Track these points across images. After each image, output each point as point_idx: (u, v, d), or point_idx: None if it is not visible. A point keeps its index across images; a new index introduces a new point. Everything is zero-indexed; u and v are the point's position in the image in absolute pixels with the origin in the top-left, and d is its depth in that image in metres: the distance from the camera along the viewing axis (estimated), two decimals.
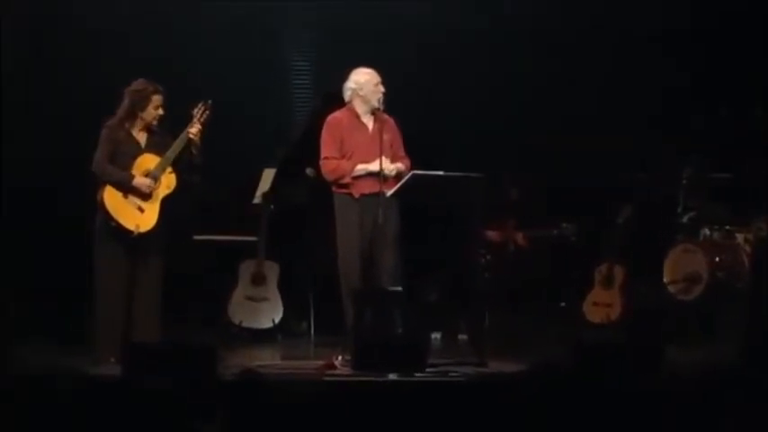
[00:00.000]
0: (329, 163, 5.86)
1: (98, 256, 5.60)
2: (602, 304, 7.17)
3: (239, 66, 7.72)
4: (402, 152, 5.97)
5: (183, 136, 5.61)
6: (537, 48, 7.67)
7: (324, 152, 5.88)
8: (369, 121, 5.93)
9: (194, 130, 5.62)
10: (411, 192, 5.68)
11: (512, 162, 7.52)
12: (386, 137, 5.80)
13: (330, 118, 5.92)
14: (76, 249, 5.98)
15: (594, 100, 7.70)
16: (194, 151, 5.62)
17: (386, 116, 5.93)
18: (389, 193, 5.69)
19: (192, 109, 5.70)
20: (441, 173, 5.68)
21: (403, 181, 5.67)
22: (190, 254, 7.00)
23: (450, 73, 7.74)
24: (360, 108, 5.90)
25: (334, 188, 5.89)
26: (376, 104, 5.84)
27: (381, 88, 5.86)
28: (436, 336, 6.65)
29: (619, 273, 7.18)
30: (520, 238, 7.38)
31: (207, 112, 5.68)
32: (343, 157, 5.85)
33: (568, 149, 7.61)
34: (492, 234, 7.32)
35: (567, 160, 7.67)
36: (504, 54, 7.68)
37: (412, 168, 5.82)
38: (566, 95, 7.70)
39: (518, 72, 7.69)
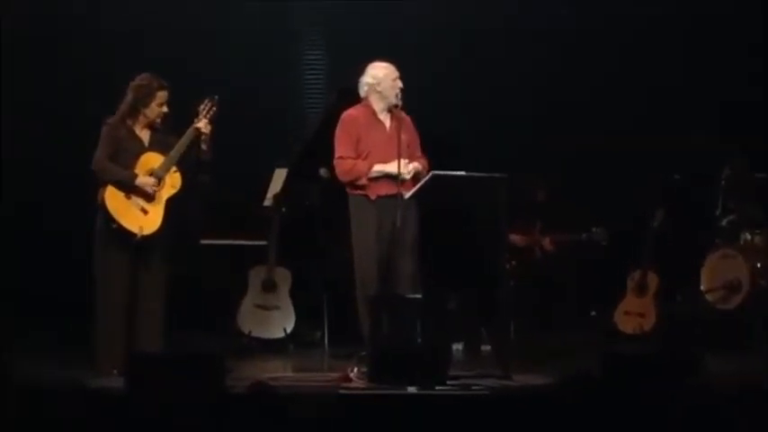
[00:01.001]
0: (345, 163, 5.86)
1: (99, 261, 5.58)
2: (634, 313, 7.15)
3: (249, 61, 7.76)
4: (420, 152, 5.97)
5: (189, 132, 5.60)
6: (567, 45, 7.70)
7: (339, 151, 5.88)
8: (386, 119, 5.93)
9: (202, 124, 5.59)
10: (431, 193, 5.68)
11: (538, 162, 7.51)
12: (403, 136, 5.80)
13: (345, 115, 5.92)
14: (75, 254, 6.01)
15: (627, 98, 7.70)
16: (204, 147, 5.59)
17: (403, 114, 5.93)
18: (408, 195, 5.69)
19: (198, 105, 5.70)
20: (462, 173, 5.68)
21: (422, 182, 5.67)
22: (196, 259, 7.02)
23: (470, 70, 7.75)
24: (377, 105, 5.90)
25: (349, 189, 5.90)
26: (394, 101, 5.84)
27: (399, 84, 5.86)
28: (458, 346, 6.65)
29: (652, 280, 7.16)
30: (547, 242, 7.37)
31: (213, 108, 5.68)
32: (358, 156, 5.85)
33: (599, 149, 7.61)
34: (517, 238, 7.31)
35: (597, 160, 7.65)
36: (532, 51, 7.71)
37: (430, 169, 5.82)
38: (596, 93, 7.71)
39: (547, 69, 7.72)
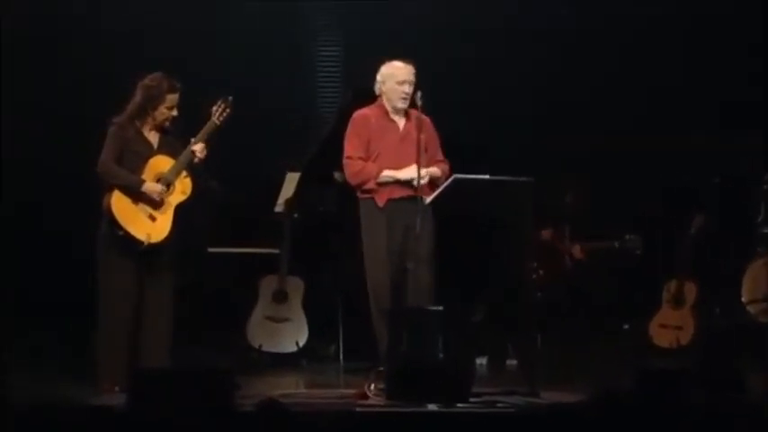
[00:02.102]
0: (353, 164, 5.86)
1: (102, 271, 5.58)
2: (671, 326, 7.13)
3: (259, 60, 7.80)
4: (439, 155, 5.97)
5: (187, 152, 5.57)
6: (598, 43, 7.75)
7: (347, 151, 5.89)
8: (400, 120, 5.92)
9: (198, 147, 5.59)
10: (452, 198, 5.67)
11: (567, 164, 7.51)
12: (420, 138, 5.79)
13: (357, 114, 5.94)
14: (77, 259, 6.03)
15: (663, 97, 7.70)
16: (199, 175, 5.61)
17: (421, 115, 5.92)
18: (428, 200, 5.69)
19: (211, 106, 5.70)
20: (486, 177, 5.68)
21: (443, 186, 5.67)
22: (203, 268, 7.04)
23: (495, 68, 7.78)
24: (387, 105, 5.90)
25: (358, 193, 5.91)
26: (398, 104, 5.85)
27: (406, 88, 5.82)
28: (481, 361, 6.65)
29: (690, 290, 7.14)
30: (577, 250, 7.35)
31: (227, 110, 5.69)
32: (368, 158, 5.85)
33: (632, 151, 7.60)
34: (544, 246, 7.30)
35: (630, 163, 7.64)
36: (563, 49, 7.76)
37: (452, 174, 5.81)
38: (629, 91, 7.72)
39: (578, 68, 7.76)
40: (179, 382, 4.46)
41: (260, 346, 6.84)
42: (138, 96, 5.58)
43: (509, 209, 6.06)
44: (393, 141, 5.84)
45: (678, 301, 7.15)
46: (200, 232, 6.90)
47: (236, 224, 7.11)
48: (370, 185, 5.83)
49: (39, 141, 7.42)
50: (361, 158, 5.85)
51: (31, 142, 7.37)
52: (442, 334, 5.29)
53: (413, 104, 5.87)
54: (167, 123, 5.63)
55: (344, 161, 5.89)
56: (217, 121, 5.66)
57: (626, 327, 7.49)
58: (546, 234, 7.31)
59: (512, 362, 6.73)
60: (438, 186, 5.77)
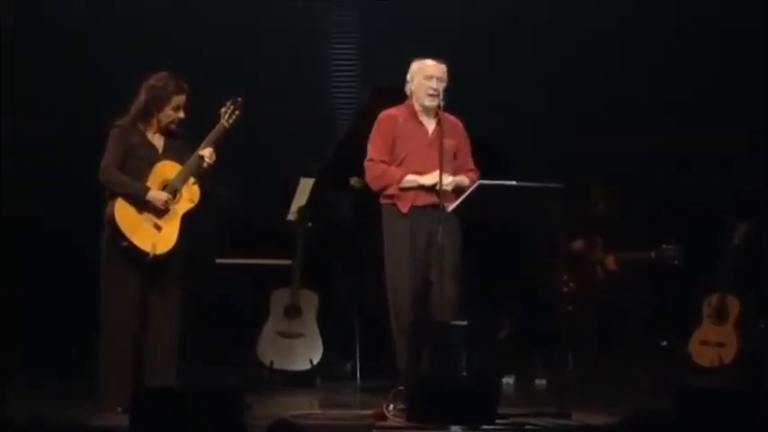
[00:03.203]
0: (375, 167, 5.86)
1: (105, 283, 5.56)
2: (712, 343, 7.10)
3: (272, 59, 7.83)
4: (470, 163, 5.94)
5: (194, 157, 5.56)
6: (636, 42, 7.77)
7: (370, 152, 5.88)
8: (429, 123, 5.90)
9: (207, 152, 5.58)
10: (477, 206, 5.66)
11: (600, 169, 7.49)
12: (449, 143, 5.78)
13: (383, 114, 5.92)
14: (77, 275, 6.05)
15: (703, 97, 7.69)
16: (206, 181, 5.59)
17: (452, 118, 5.90)
18: (451, 207, 5.67)
19: (220, 108, 5.69)
20: (513, 183, 5.66)
21: (467, 193, 5.64)
22: (211, 280, 7.05)
23: (521, 68, 7.80)
24: (416, 105, 5.90)
25: (381, 198, 5.90)
26: (426, 102, 5.83)
27: (434, 83, 5.80)
28: (508, 380, 6.63)
29: (733, 305, 7.11)
30: (610, 261, 7.33)
31: (237, 111, 5.69)
32: (393, 161, 5.85)
33: (670, 155, 7.58)
34: (576, 257, 7.28)
35: (668, 168, 7.62)
36: (597, 48, 7.79)
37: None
38: (666, 93, 7.71)
39: (612, 68, 7.77)
40: (185, 401, 4.46)
41: (271, 363, 6.84)
42: (142, 97, 5.56)
43: (537, 217, 6.04)
44: (420, 144, 5.81)
45: (720, 316, 7.12)
46: (206, 242, 6.90)
47: (246, 233, 7.11)
48: (393, 190, 5.82)
49: (38, 144, 7.47)
50: (383, 161, 5.84)
51: (31, 145, 7.42)
52: (466, 350, 5.28)
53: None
54: (173, 126, 5.62)
55: (366, 163, 5.88)
56: (226, 124, 5.66)
57: (663, 344, 7.47)
58: (577, 244, 7.29)
59: (541, 381, 6.72)
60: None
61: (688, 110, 7.74)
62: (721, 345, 7.07)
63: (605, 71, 7.80)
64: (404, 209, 5.81)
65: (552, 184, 5.66)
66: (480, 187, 5.63)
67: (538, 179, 5.70)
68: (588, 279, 7.27)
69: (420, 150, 5.80)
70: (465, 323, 5.49)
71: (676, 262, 7.21)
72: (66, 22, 7.69)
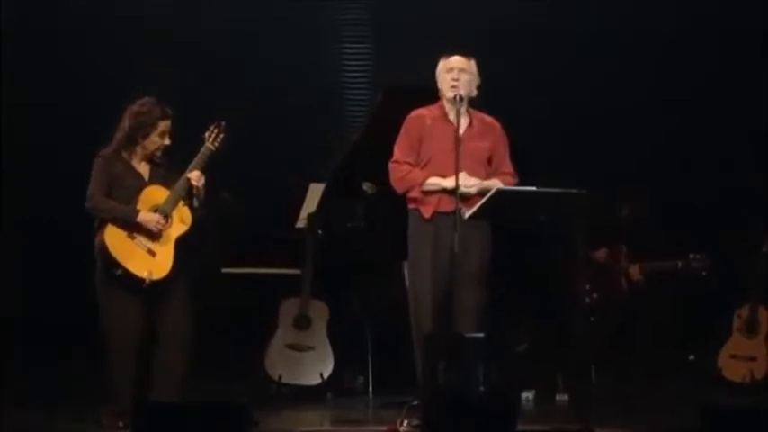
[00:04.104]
0: (398, 169, 5.84)
1: (104, 311, 5.57)
2: (743, 357, 7.08)
3: (281, 58, 7.84)
4: (506, 166, 5.88)
5: (182, 180, 5.58)
6: (660, 45, 7.81)
7: (395, 154, 5.86)
8: (461, 123, 5.80)
9: (194, 175, 5.60)
10: (495, 212, 5.64)
11: (624, 175, 7.48)
12: (480, 144, 5.76)
13: (412, 114, 5.89)
14: (76, 284, 6.06)
15: (733, 100, 7.68)
16: (196, 203, 5.61)
17: (488, 118, 5.88)
18: (468, 214, 5.65)
19: (204, 132, 5.69)
20: (533, 188, 5.65)
21: (485, 199, 5.62)
22: (216, 291, 7.06)
23: (543, 70, 7.81)
24: (446, 104, 5.86)
25: (408, 203, 5.89)
26: (449, 94, 5.78)
27: (454, 74, 5.77)
28: (528, 395, 6.62)
29: (765, 317, 7.08)
30: (635, 271, 7.32)
31: (221, 135, 5.71)
32: (418, 163, 5.83)
33: (697, 159, 7.57)
34: (599, 266, 7.27)
35: (695, 173, 7.61)
36: (621, 50, 7.82)
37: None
38: (690, 95, 7.71)
39: (637, 70, 7.79)
40: (189, 416, 4.47)
41: (280, 377, 6.84)
42: (126, 124, 5.58)
43: (559, 225, 6.03)
44: (447, 146, 5.73)
45: (751, 329, 7.10)
46: (212, 251, 6.91)
47: (253, 241, 7.11)
48: (416, 194, 5.79)
49: (39, 148, 7.52)
50: (408, 163, 5.82)
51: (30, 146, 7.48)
52: (483, 364, 5.28)
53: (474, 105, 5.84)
54: (159, 153, 5.63)
55: (390, 164, 5.87)
56: (212, 147, 5.69)
57: (691, 357, 7.45)
58: (600, 253, 7.28)
59: (562, 396, 6.70)
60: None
61: (715, 114, 7.73)
62: (752, 359, 7.05)
63: (630, 72, 7.82)
64: (426, 214, 5.78)
65: (574, 191, 5.65)
66: (499, 193, 5.62)
67: (560, 185, 5.69)
68: (612, 289, 7.26)
69: (447, 152, 5.72)
70: (482, 335, 5.49)
71: (704, 272, 7.20)
72: (66, 23, 7.74)
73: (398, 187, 5.84)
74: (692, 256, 7.16)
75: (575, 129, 7.80)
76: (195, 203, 5.64)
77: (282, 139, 7.70)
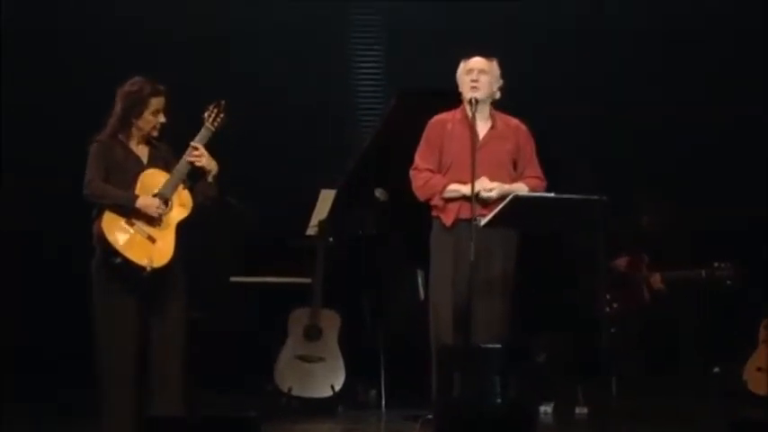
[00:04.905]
0: (419, 176, 5.84)
1: (100, 306, 5.50)
2: None
3: (292, 60, 7.86)
4: (533, 170, 5.87)
5: (182, 162, 5.52)
6: (684, 44, 7.83)
7: (415, 160, 5.87)
8: (482, 126, 5.83)
9: (196, 154, 5.53)
10: (512, 219, 5.63)
11: (646, 181, 7.48)
12: (502, 147, 5.76)
13: (434, 119, 5.90)
14: (72, 297, 6.06)
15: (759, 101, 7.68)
16: (210, 180, 5.56)
17: (513, 120, 5.87)
18: (483, 222, 5.64)
19: (203, 112, 5.60)
20: (551, 195, 5.65)
21: (501, 206, 5.60)
22: (224, 301, 7.07)
23: (563, 72, 7.81)
24: (467, 107, 5.83)
25: (431, 211, 5.88)
26: (467, 95, 5.78)
27: (473, 75, 5.76)
28: (546, 408, 6.61)
29: None
30: (656, 280, 7.29)
31: (221, 114, 5.67)
32: (440, 169, 5.83)
33: (723, 166, 7.56)
34: (620, 275, 7.26)
35: (720, 180, 7.60)
36: (649, 51, 7.86)
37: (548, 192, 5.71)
38: (716, 98, 7.70)
39: (661, 73, 7.81)
40: (196, 431, 4.47)
41: (290, 389, 6.84)
42: (118, 106, 5.55)
43: (578, 232, 6.02)
44: (469, 150, 5.71)
45: None
46: (220, 259, 6.92)
47: (262, 249, 7.13)
48: (437, 201, 5.79)
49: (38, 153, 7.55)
50: (429, 170, 5.82)
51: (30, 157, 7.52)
52: (500, 376, 5.27)
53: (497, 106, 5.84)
54: (155, 132, 5.58)
55: (411, 172, 5.87)
56: (211, 127, 5.62)
57: (716, 370, 7.43)
58: (621, 261, 7.27)
59: (582, 410, 6.69)
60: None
61: (743, 117, 7.73)
62: None
63: (654, 73, 7.84)
64: (448, 222, 5.77)
65: (594, 197, 5.64)
66: (515, 199, 5.60)
67: (579, 191, 5.68)
68: (633, 299, 7.24)
69: (467, 156, 5.69)
70: (499, 346, 5.48)
71: (729, 281, 7.17)
72: (66, 23, 7.78)
73: (420, 195, 5.83)
74: (716, 264, 7.12)
75: (599, 130, 7.80)
76: (210, 180, 5.60)
77: (293, 145, 7.71)
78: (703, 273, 7.15)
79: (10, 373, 6.98)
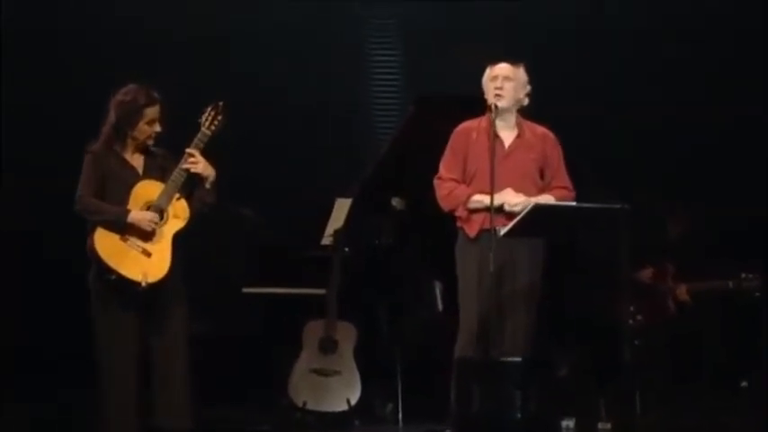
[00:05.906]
0: (442, 186, 5.86)
1: (98, 326, 5.52)
2: None
3: (306, 64, 7.89)
4: (561, 180, 5.87)
5: (178, 171, 5.50)
6: (709, 46, 7.83)
7: (440, 170, 5.88)
8: (507, 135, 5.85)
9: (192, 161, 5.52)
10: (532, 229, 5.64)
11: (672, 188, 7.49)
12: (527, 156, 5.78)
13: (459, 127, 5.92)
14: (72, 297, 6.09)
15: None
16: (208, 186, 5.56)
17: (540, 129, 5.89)
18: (503, 231, 5.64)
19: (201, 115, 5.60)
20: (572, 204, 5.67)
21: (521, 215, 5.61)
22: (237, 313, 7.09)
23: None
24: (492, 115, 5.82)
25: (456, 221, 5.88)
26: (490, 100, 5.79)
27: (498, 82, 5.78)
28: (568, 423, 6.60)
29: None
30: (682, 291, 7.31)
31: (219, 116, 5.63)
32: (465, 179, 5.85)
33: (752, 171, 7.57)
34: (644, 286, 7.27)
35: (748, 186, 7.61)
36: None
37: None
38: (740, 102, 7.72)
39: (661, 73, 7.82)
40: None
41: (304, 403, 6.84)
42: (112, 115, 5.54)
43: (601, 242, 6.03)
44: (496, 160, 5.67)
45: None
46: (233, 270, 6.95)
47: (276, 260, 7.13)
48: (461, 212, 5.81)
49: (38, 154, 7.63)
50: (453, 179, 5.84)
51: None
52: (520, 390, 5.28)
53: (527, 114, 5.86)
54: (151, 142, 5.57)
55: (435, 181, 5.89)
56: (207, 131, 5.58)
57: (744, 384, 7.40)
58: (646, 272, 7.28)
59: (605, 425, 6.68)
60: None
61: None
62: None
63: (677, 76, 7.86)
64: (472, 233, 5.79)
65: (617, 205, 5.65)
66: (536, 208, 5.60)
67: (602, 199, 5.71)
68: (658, 311, 7.25)
69: (494, 166, 5.68)
70: (519, 359, 5.50)
71: (757, 293, 7.18)
72: (66, 23, 7.85)
73: (444, 205, 5.85)
74: (743, 275, 7.13)
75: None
76: (207, 186, 5.56)
77: (307, 153, 7.74)
78: (731, 284, 7.15)
79: (10, 373, 7.03)
